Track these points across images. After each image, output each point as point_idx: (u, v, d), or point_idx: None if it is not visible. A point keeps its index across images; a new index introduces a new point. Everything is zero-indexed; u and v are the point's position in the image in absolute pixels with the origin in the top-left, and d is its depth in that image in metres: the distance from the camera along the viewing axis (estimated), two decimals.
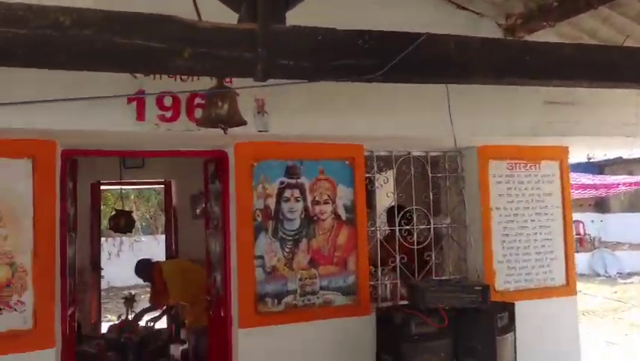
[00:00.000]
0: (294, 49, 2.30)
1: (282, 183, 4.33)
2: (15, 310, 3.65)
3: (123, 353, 5.45)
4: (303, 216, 4.37)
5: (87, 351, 5.49)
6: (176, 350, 6.55)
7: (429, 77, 2.75)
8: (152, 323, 6.41)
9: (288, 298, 4.30)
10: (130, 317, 6.00)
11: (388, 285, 4.76)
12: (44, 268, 3.71)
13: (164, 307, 6.45)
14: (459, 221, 5.01)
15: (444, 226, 5.01)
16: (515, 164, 5.05)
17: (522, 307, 4.40)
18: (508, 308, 4.28)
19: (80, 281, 7.20)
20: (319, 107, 3.89)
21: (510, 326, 4.24)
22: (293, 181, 4.36)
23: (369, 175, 4.66)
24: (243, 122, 3.00)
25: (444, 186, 5.02)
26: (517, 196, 5.04)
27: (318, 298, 4.37)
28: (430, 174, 4.89)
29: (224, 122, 2.83)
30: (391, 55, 2.34)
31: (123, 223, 6.81)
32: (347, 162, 4.51)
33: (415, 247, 4.76)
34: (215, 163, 4.59)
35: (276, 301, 4.26)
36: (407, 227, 4.77)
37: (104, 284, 12.19)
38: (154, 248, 12.18)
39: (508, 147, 4.94)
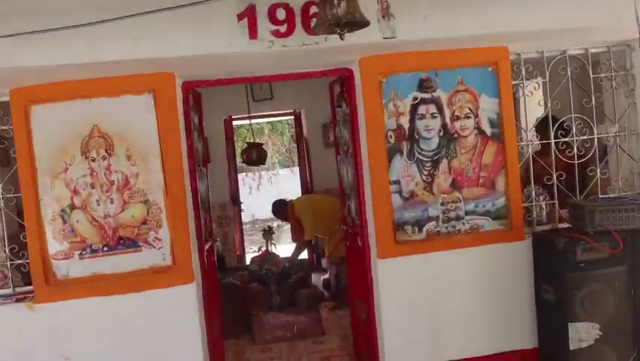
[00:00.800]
0: None
1: (415, 98, 3.87)
2: (153, 247, 3.68)
3: (265, 284, 5.49)
4: (441, 134, 3.90)
5: (232, 283, 5.61)
6: (317, 279, 6.57)
7: None
8: (293, 256, 6.46)
9: (430, 225, 3.93)
10: (270, 249, 6.02)
11: (544, 206, 4.19)
12: (176, 204, 3.68)
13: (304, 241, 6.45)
14: (630, 129, 4.20)
15: (610, 135, 4.23)
16: None
17: None
18: None
19: (222, 215, 7.45)
20: (453, 2, 3.32)
21: None
22: (428, 95, 3.88)
23: (516, 82, 4.03)
24: (366, 22, 2.54)
25: (609, 88, 4.22)
26: None
27: (463, 223, 3.95)
28: (591, 75, 4.13)
29: (343, 24, 2.39)
30: None
31: (255, 156, 6.77)
32: (490, 69, 3.91)
33: (576, 161, 4.10)
34: (341, 83, 4.23)
35: (416, 228, 3.92)
36: (565, 139, 4.10)
37: (248, 217, 12.75)
38: (291, 181, 12.35)
39: None
